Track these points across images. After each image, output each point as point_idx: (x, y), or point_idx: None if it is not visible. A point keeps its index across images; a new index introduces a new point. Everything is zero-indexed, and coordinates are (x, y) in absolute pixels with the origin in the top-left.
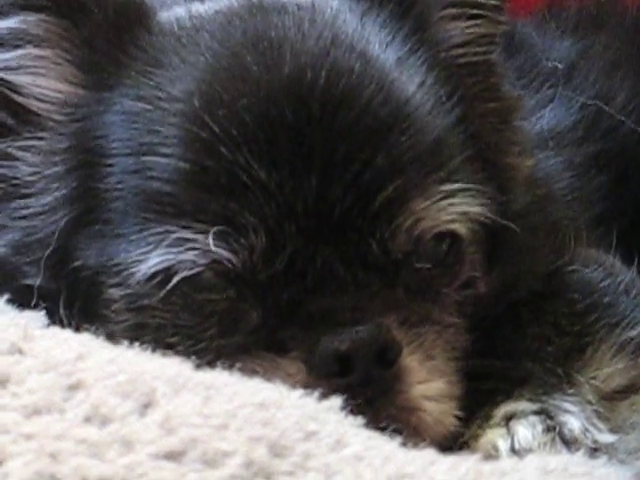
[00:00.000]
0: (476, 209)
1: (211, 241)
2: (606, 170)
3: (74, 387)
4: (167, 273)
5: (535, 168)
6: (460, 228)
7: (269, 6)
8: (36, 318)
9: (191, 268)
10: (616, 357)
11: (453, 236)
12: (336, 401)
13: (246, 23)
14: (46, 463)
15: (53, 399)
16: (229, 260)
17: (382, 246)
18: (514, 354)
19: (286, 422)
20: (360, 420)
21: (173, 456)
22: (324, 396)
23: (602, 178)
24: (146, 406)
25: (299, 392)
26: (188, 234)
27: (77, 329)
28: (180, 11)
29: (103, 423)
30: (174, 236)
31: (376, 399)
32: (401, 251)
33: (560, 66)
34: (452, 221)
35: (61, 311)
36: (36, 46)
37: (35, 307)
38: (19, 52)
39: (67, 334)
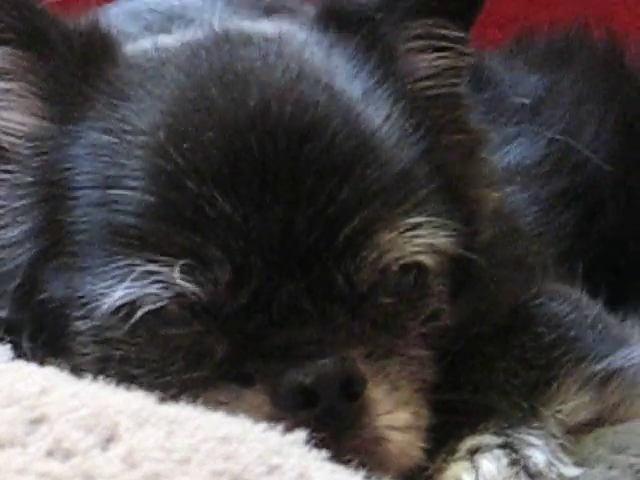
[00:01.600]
0: (442, 241)
1: (177, 274)
2: (573, 206)
3: (37, 421)
4: (132, 307)
5: (501, 202)
6: (426, 260)
7: (235, 38)
8: (1, 351)
9: (155, 302)
10: (581, 391)
11: (419, 268)
12: (300, 434)
13: (212, 55)
14: None
15: (15, 433)
16: (194, 293)
17: (347, 279)
18: (480, 387)
19: (249, 456)
20: (324, 453)
21: None
22: (288, 429)
23: (569, 214)
24: (109, 440)
25: (262, 426)
26: (153, 267)
27: (41, 363)
28: (146, 43)
29: (66, 457)
30: (139, 269)
31: (341, 432)
32: (366, 284)
33: (527, 102)
34: (418, 252)
35: (25, 344)
36: (1, 79)
37: (1, 340)
38: None
39: (31, 368)
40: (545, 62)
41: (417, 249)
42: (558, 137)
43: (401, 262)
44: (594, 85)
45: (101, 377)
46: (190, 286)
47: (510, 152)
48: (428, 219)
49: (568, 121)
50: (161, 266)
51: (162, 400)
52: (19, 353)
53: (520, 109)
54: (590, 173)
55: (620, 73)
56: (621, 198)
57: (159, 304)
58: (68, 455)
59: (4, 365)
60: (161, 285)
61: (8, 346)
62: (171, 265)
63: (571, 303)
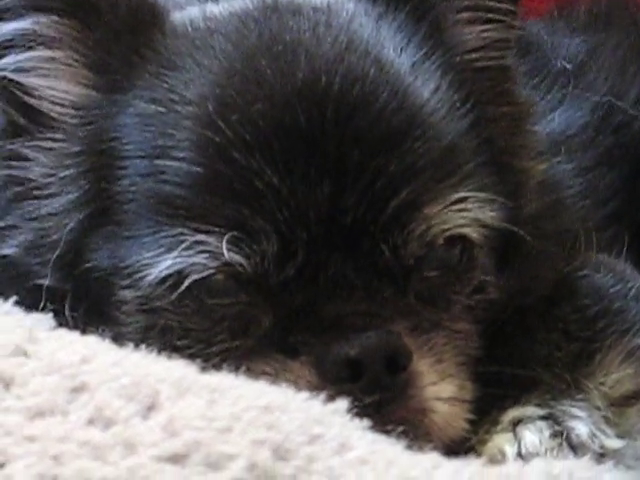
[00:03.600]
0: (488, 215)
1: (224, 245)
2: (618, 166)
3: (78, 390)
4: (179, 276)
5: (547, 174)
6: (472, 233)
7: (284, 8)
8: (43, 320)
9: (202, 271)
10: (625, 363)
11: (465, 241)
12: (342, 404)
13: (260, 26)
14: (48, 465)
15: (56, 401)
16: (241, 264)
17: (394, 252)
18: (523, 359)
19: (290, 425)
20: (365, 423)
21: (176, 459)
22: (331, 399)
23: (614, 174)
24: (149, 409)
25: (304, 395)
26: (200, 237)
27: (83, 331)
28: (194, 12)
29: (106, 426)
30: (186, 239)
31: (386, 403)
32: (413, 257)
33: (569, 66)
34: (464, 226)
35: (67, 313)
36: (48, 48)
37: (44, 309)
38: (31, 54)
39: (73, 336)
40: (587, 26)
41: (463, 222)
42: (602, 99)
43: (447, 234)
44: (637, 47)
45: (143, 346)
46: (236, 257)
47: (555, 119)
48: (474, 193)
49: (612, 83)
50: (208, 236)
51: (204, 369)
52: (61, 321)
53: (563, 73)
54: (635, 133)
55: None
56: None
57: (205, 273)
58: (109, 423)
59: (46, 333)
60: (208, 255)
61: (50, 314)
62: (217, 235)
63: (615, 275)
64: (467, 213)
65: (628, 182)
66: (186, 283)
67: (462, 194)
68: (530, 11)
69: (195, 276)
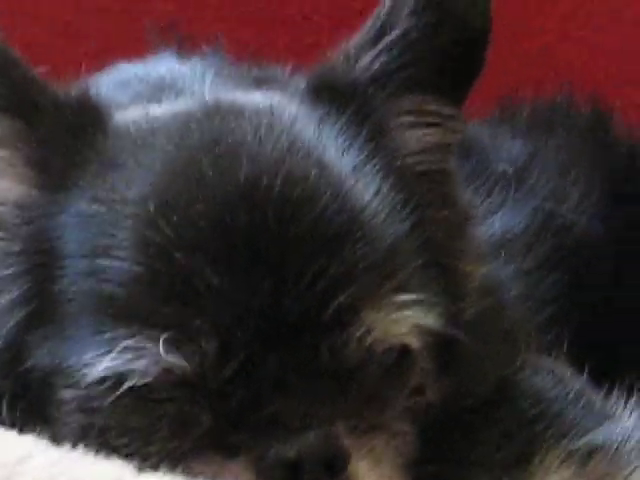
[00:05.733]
0: (429, 321)
1: (161, 345)
2: (558, 270)
3: None
4: (118, 379)
5: (487, 276)
6: (412, 341)
7: (226, 110)
8: None
9: (142, 377)
10: (563, 465)
11: (404, 348)
12: None
13: (202, 126)
14: None
15: None
16: (180, 367)
17: (333, 354)
18: (461, 461)
19: None
20: None
21: None
22: None
23: (554, 278)
24: None
25: None
26: (139, 342)
27: (21, 431)
28: (137, 112)
29: None
30: (125, 341)
31: None
32: (352, 360)
33: (510, 169)
34: (404, 334)
35: (4, 412)
36: None
37: None
38: None
39: (9, 436)
40: (529, 129)
41: (404, 330)
42: (543, 204)
43: (387, 345)
44: (579, 151)
45: (81, 446)
46: (176, 359)
47: (495, 223)
48: (415, 297)
49: (553, 187)
50: (147, 340)
51: (141, 469)
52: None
53: (504, 176)
54: (576, 237)
55: (605, 139)
56: (608, 263)
57: (144, 380)
58: None
59: None
60: (147, 360)
61: None
62: (157, 339)
63: (554, 377)
64: (407, 320)
65: (568, 287)
66: (125, 386)
67: (402, 297)
68: (472, 114)
69: (134, 381)
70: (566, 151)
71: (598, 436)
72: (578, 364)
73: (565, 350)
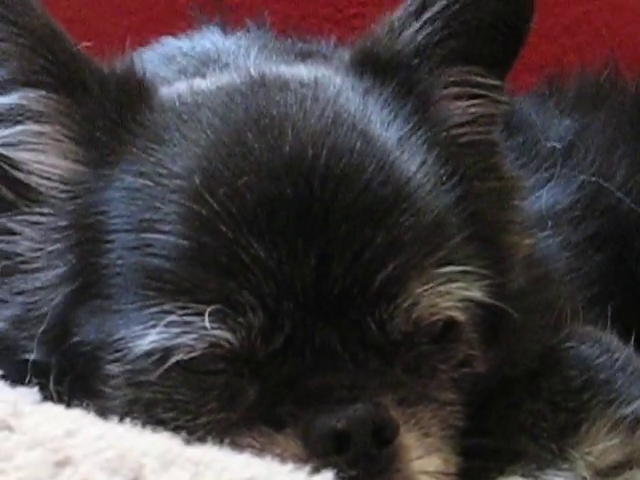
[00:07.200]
0: (475, 293)
1: (207, 322)
2: (604, 249)
3: (61, 463)
4: (164, 352)
5: (533, 248)
6: (458, 314)
7: (271, 83)
8: (28, 394)
9: (188, 351)
10: (611, 433)
11: (451, 319)
12: (327, 475)
13: (248, 100)
14: None
15: (40, 475)
16: (227, 340)
17: (380, 326)
18: (509, 430)
19: None
20: None
21: None
22: (316, 471)
23: (599, 257)
24: None
25: (289, 467)
26: (185, 315)
27: (68, 405)
28: (181, 87)
29: None
30: (171, 315)
31: (372, 476)
32: (399, 332)
33: (558, 146)
34: (450, 308)
35: (51, 387)
36: (36, 122)
37: (29, 383)
38: (19, 128)
39: (58, 410)
40: (576, 106)
41: (449, 304)
42: (590, 180)
43: (434, 318)
44: (625, 128)
45: (128, 419)
46: (222, 333)
47: (542, 197)
48: (461, 269)
49: (599, 164)
50: (193, 314)
51: (188, 442)
52: (46, 395)
53: (552, 153)
54: (621, 216)
55: None
56: None
57: (191, 355)
58: None
59: (31, 407)
60: (194, 335)
61: (35, 388)
62: (203, 312)
63: (601, 346)
64: (454, 293)
65: (612, 267)
66: (171, 361)
67: (448, 269)
68: (518, 86)
69: (180, 355)
70: (612, 129)
71: None
72: (623, 338)
73: (610, 323)
